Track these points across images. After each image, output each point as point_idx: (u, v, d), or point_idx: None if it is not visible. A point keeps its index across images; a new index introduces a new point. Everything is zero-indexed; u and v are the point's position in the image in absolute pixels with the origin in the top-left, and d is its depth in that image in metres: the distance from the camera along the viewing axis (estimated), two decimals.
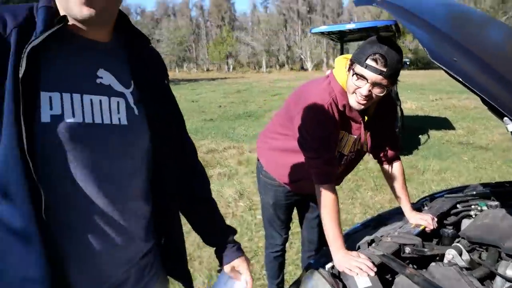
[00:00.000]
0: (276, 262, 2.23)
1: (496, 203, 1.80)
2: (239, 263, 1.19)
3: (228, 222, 3.39)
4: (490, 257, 1.43)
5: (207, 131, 8.54)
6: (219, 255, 1.20)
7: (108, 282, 0.91)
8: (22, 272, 0.76)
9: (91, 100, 0.83)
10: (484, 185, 2.09)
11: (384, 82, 1.41)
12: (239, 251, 1.21)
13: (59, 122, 0.78)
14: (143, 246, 1.00)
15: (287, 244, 2.37)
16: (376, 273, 1.36)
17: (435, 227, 1.70)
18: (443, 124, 8.23)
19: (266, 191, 2.04)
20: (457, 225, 1.82)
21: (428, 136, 7.12)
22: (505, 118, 0.83)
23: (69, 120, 0.79)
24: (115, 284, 0.93)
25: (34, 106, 0.75)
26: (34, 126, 0.75)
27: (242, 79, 34.11)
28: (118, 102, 0.88)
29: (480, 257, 1.48)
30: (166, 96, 1.04)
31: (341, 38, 6.70)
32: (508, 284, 1.26)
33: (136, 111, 0.91)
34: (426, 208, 1.91)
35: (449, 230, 1.67)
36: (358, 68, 1.42)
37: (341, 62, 1.62)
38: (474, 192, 1.97)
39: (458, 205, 1.91)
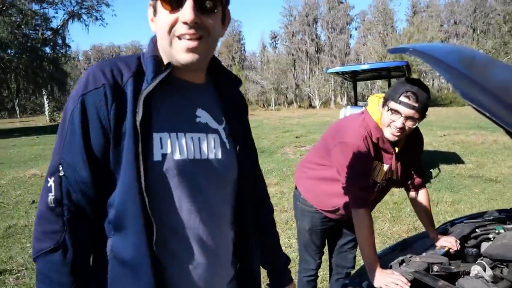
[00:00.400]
0: (309, 287, 2.37)
1: (510, 225, 1.99)
2: None
3: None
4: (511, 270, 1.60)
5: None
6: (272, 277, 1.30)
7: None
8: None
9: (192, 138, 0.93)
10: (499, 211, 2.27)
11: (416, 115, 1.65)
12: (291, 279, 1.33)
13: (168, 159, 0.88)
14: (230, 271, 1.07)
15: None
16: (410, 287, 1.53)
17: (458, 249, 1.87)
18: (453, 158, 8.39)
19: (303, 217, 2.23)
20: (477, 247, 1.98)
21: (439, 170, 7.27)
22: None
23: (177, 157, 0.89)
24: None
25: (148, 146, 0.85)
26: (148, 164, 0.85)
27: (252, 116, 34.70)
28: (214, 138, 0.98)
29: (501, 273, 1.64)
30: (247, 131, 1.16)
31: (354, 78, 7.04)
32: None
33: (227, 145, 1.01)
34: (448, 232, 2.08)
35: (472, 250, 1.84)
36: (393, 104, 1.66)
37: (374, 100, 1.85)
38: (491, 217, 2.14)
39: (477, 229, 2.07)
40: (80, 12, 28.72)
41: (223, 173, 0.99)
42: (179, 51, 0.87)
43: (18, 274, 3.51)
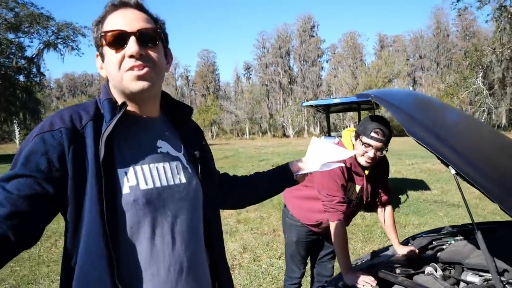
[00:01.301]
0: None
1: (461, 237, 2.42)
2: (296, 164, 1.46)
3: (236, 272, 4.05)
4: (457, 271, 2.00)
5: None
6: (286, 172, 1.43)
7: None
8: None
9: (156, 167, 0.98)
10: (452, 227, 2.71)
11: (383, 147, 2.08)
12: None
13: (136, 190, 0.93)
14: (207, 277, 1.11)
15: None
16: (376, 285, 1.91)
17: (417, 257, 2.27)
18: (420, 185, 8.97)
19: (290, 231, 2.59)
20: (433, 255, 2.39)
21: (407, 196, 7.80)
22: (450, 167, 1.46)
23: (143, 187, 0.94)
24: None
25: (113, 182, 0.90)
26: (117, 198, 0.90)
27: (227, 145, 35.07)
28: (176, 165, 1.04)
29: (450, 273, 2.04)
30: (208, 153, 1.24)
31: (327, 110, 7.59)
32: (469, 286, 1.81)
33: (189, 170, 1.08)
34: (410, 244, 2.49)
35: (427, 255, 2.24)
36: (365, 139, 2.08)
37: (347, 134, 2.28)
38: (445, 232, 2.58)
39: (433, 242, 2.48)
40: (56, 42, 28.80)
41: (188, 195, 1.05)
42: (130, 81, 0.94)
43: None
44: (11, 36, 26.95)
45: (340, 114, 41.69)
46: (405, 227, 5.48)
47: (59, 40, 28.94)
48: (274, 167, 1.46)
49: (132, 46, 0.93)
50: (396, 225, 5.37)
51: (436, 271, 2.02)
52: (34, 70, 29.05)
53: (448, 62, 58.91)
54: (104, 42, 0.96)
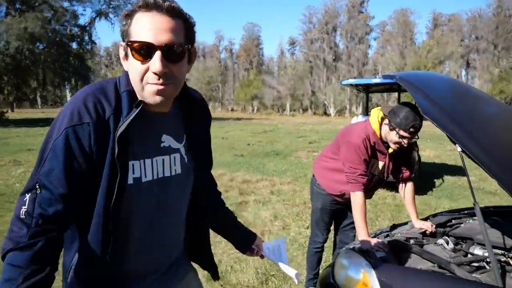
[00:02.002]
0: (316, 256, 2.95)
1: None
2: (260, 239, 1.53)
3: (265, 238, 4.34)
4: (467, 245, 2.15)
5: (238, 165, 9.35)
6: (243, 241, 1.49)
7: (159, 269, 1.21)
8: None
9: (157, 161, 1.07)
10: (472, 208, 2.82)
11: (416, 137, 2.28)
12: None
13: (139, 182, 1.03)
14: (181, 246, 1.31)
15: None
16: (388, 250, 2.10)
17: (433, 231, 2.42)
18: (458, 171, 8.83)
19: (317, 199, 2.82)
20: (448, 231, 2.53)
21: (443, 181, 7.75)
22: (456, 145, 1.61)
23: (145, 179, 1.05)
24: (163, 271, 1.23)
25: (124, 173, 0.99)
26: (124, 186, 0.99)
27: (267, 120, 35.31)
28: (175, 157, 1.13)
29: (461, 247, 2.19)
30: (208, 141, 1.31)
31: (367, 90, 7.58)
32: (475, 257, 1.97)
33: (186, 160, 1.16)
34: (429, 220, 2.63)
35: (441, 229, 2.40)
36: (402, 132, 2.24)
37: (375, 113, 2.44)
38: (466, 212, 2.70)
39: (452, 220, 2.62)
40: (107, 11, 29.80)
41: (183, 184, 1.17)
42: (149, 94, 0.98)
43: None
44: (66, 4, 28.19)
45: (384, 94, 40.59)
46: (435, 209, 5.53)
47: (110, 9, 29.92)
48: (243, 226, 1.53)
49: (157, 63, 0.93)
50: (426, 207, 5.50)
51: (447, 243, 2.18)
52: (86, 38, 30.38)
53: (507, 44, 55.15)
54: (130, 48, 0.97)
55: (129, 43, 0.95)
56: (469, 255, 2.03)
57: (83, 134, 0.93)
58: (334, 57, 64.87)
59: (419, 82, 2.07)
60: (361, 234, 2.26)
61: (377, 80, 6.55)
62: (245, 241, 1.49)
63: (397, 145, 2.33)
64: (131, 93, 1.01)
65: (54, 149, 0.92)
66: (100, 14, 29.76)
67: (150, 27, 0.93)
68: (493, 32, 59.99)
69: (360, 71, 62.59)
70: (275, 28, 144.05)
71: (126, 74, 1.03)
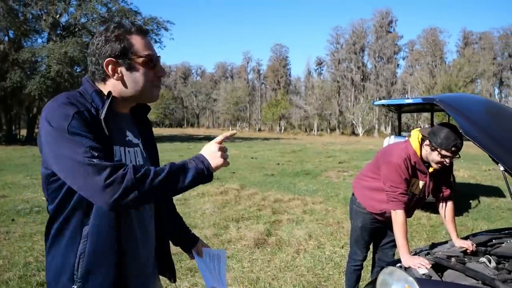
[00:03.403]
0: (355, 274, 3.02)
1: None
2: (202, 242, 1.71)
3: (300, 256, 4.45)
4: (510, 264, 2.18)
5: (269, 184, 9.46)
6: (188, 243, 1.67)
7: (146, 270, 1.35)
8: None
9: (129, 151, 1.29)
10: None
11: (457, 156, 2.37)
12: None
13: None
14: (153, 244, 1.42)
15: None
16: (430, 267, 2.16)
17: (473, 250, 2.45)
18: (494, 192, 8.61)
19: (356, 217, 2.91)
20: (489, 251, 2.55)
21: (479, 201, 7.59)
22: (499, 164, 1.70)
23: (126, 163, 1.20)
24: (149, 273, 1.38)
25: (112, 154, 1.17)
26: None
27: (295, 140, 35.36)
28: (136, 151, 1.33)
29: (504, 265, 2.22)
30: (154, 142, 1.51)
31: (399, 110, 7.60)
32: None
33: (145, 154, 1.38)
34: (469, 239, 2.67)
35: (482, 248, 2.43)
36: (444, 152, 2.34)
37: (415, 134, 2.54)
38: (506, 231, 2.71)
39: (493, 240, 2.64)
40: None
41: None
42: (156, 94, 1.29)
43: None
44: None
45: (414, 114, 40.02)
46: (472, 231, 5.44)
47: None
48: (190, 232, 1.71)
49: (162, 69, 1.28)
50: (463, 228, 5.45)
51: (489, 262, 2.22)
52: None
53: None
54: (140, 61, 1.22)
55: (144, 56, 1.22)
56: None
57: (85, 116, 1.11)
58: (362, 77, 64.67)
59: (457, 104, 2.17)
60: (403, 251, 2.33)
61: (409, 100, 6.56)
62: (191, 242, 1.68)
63: (439, 165, 2.41)
64: (99, 92, 1.22)
65: (73, 129, 1.06)
66: None
67: (150, 46, 1.26)
68: None
69: (388, 91, 62.01)
70: (303, 48, 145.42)
71: (87, 79, 1.26)
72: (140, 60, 1.22)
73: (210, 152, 1.19)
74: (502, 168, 1.69)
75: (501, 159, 1.69)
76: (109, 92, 1.21)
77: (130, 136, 1.32)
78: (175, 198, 1.36)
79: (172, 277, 1.54)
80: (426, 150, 2.45)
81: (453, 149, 2.30)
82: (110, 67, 1.21)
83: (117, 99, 1.24)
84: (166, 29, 31.24)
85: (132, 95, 1.26)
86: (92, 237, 1.16)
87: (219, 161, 1.17)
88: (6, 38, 26.10)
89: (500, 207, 7.20)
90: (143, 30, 1.25)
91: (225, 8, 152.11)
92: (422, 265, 2.17)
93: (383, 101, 7.12)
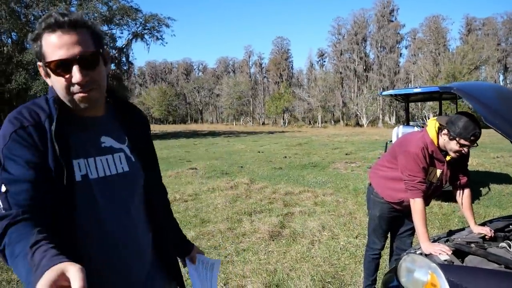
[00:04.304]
0: (374, 263, 3.06)
1: None
2: (197, 249, 1.64)
3: (315, 247, 4.50)
4: None
5: (278, 177, 9.50)
6: (182, 249, 1.59)
7: (137, 280, 1.23)
8: None
9: (101, 160, 1.15)
10: None
11: (475, 145, 2.39)
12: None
13: (86, 179, 1.09)
14: (150, 256, 1.31)
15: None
16: (451, 253, 2.20)
17: (492, 236, 2.49)
18: (504, 179, 8.60)
19: (374, 207, 2.94)
20: (508, 236, 2.59)
21: (489, 189, 7.60)
22: None
23: (91, 176, 1.11)
24: (142, 281, 1.26)
25: (70, 170, 1.05)
26: (73, 183, 1.06)
27: (300, 133, 35.36)
28: (119, 156, 1.20)
29: None
30: (149, 142, 1.38)
31: (407, 99, 7.61)
32: None
33: (132, 159, 1.24)
34: (486, 225, 2.70)
35: (501, 234, 2.46)
36: (463, 141, 2.35)
37: (432, 123, 2.57)
38: None
39: (510, 225, 2.67)
40: (143, 33, 31.07)
41: (131, 181, 1.23)
42: (78, 102, 1.07)
43: None
44: (104, 28, 29.62)
45: (419, 103, 39.88)
46: (484, 218, 5.46)
47: (146, 31, 31.20)
48: (185, 237, 1.64)
49: (77, 74, 1.02)
50: (476, 216, 5.47)
51: (509, 247, 2.25)
52: (124, 59, 31.69)
53: None
54: (48, 70, 1.05)
55: (47, 64, 1.04)
56: None
57: (26, 135, 1.01)
58: (364, 67, 64.34)
59: (475, 92, 2.19)
60: (423, 239, 2.37)
61: (418, 89, 6.59)
62: (185, 248, 1.61)
63: (457, 154, 2.44)
64: (56, 98, 1.09)
65: (6, 154, 0.99)
66: (136, 35, 31.08)
67: (60, 45, 1.02)
68: None
69: (392, 80, 61.70)
70: (304, 40, 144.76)
71: (51, 86, 1.12)
72: (50, 67, 1.04)
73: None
74: None
75: None
76: (57, 100, 1.08)
77: (107, 141, 1.19)
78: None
79: (179, 284, 1.45)
80: (444, 139, 2.47)
81: (472, 138, 2.32)
82: (41, 71, 1.10)
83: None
84: (168, 26, 31.30)
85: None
86: None
87: None
88: (9, 41, 26.25)
89: (510, 193, 7.20)
90: (51, 25, 1.02)
91: (225, 2, 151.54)
92: (443, 252, 2.21)
93: (391, 91, 7.14)
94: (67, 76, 1.03)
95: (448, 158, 2.57)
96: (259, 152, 16.40)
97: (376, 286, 3.15)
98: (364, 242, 4.06)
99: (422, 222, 2.44)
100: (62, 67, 1.03)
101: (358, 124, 56.70)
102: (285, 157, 14.22)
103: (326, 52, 74.45)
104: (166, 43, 58.20)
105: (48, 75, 1.08)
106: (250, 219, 5.67)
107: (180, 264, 1.53)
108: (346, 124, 58.18)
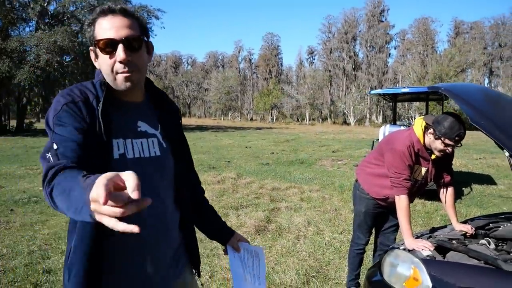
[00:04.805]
0: (358, 258, 3.11)
1: None
2: (239, 236, 1.62)
3: (301, 242, 4.56)
4: (509, 245, 2.29)
5: (265, 173, 9.53)
6: (223, 237, 1.60)
7: (164, 258, 1.30)
8: None
9: (136, 142, 1.24)
10: (511, 212, 2.94)
11: (458, 145, 2.45)
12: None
13: (123, 157, 1.18)
14: (177, 238, 1.38)
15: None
16: (433, 249, 2.25)
17: (472, 233, 2.56)
18: (486, 180, 8.80)
19: (360, 202, 2.99)
20: (488, 234, 2.66)
21: (471, 189, 7.77)
22: (504, 150, 1.78)
23: (129, 156, 1.20)
24: (169, 264, 1.33)
25: (109, 147, 1.15)
26: (111, 160, 1.15)
27: (287, 129, 35.45)
28: (152, 141, 1.29)
29: (502, 247, 2.33)
30: (180, 131, 1.45)
31: (394, 99, 7.71)
32: None
33: (164, 145, 1.32)
34: (468, 223, 2.77)
35: (481, 231, 2.54)
36: (448, 141, 2.41)
37: (418, 122, 2.62)
38: (503, 216, 2.82)
39: (490, 224, 2.75)
40: None
41: (162, 165, 1.30)
42: (120, 82, 1.17)
43: None
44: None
45: (405, 103, 40.38)
46: (466, 217, 5.58)
47: None
48: (224, 223, 1.63)
49: (121, 53, 1.13)
50: (457, 215, 5.57)
51: (489, 244, 2.32)
52: None
53: None
54: (97, 47, 1.16)
55: (96, 42, 1.16)
56: (511, 254, 2.16)
57: (76, 109, 1.11)
58: (353, 66, 64.75)
59: (462, 93, 2.24)
60: (406, 235, 2.42)
61: (405, 89, 6.68)
62: (225, 235, 1.60)
63: (442, 153, 2.49)
64: (103, 82, 1.20)
65: (56, 122, 1.09)
66: None
67: (110, 27, 1.15)
68: None
69: (380, 80, 62.24)
70: (294, 37, 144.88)
71: (98, 71, 1.23)
72: (99, 45, 1.16)
73: (93, 201, 0.77)
74: (507, 154, 1.77)
75: (507, 145, 1.77)
76: (104, 83, 1.19)
77: (143, 126, 1.28)
78: None
79: (196, 271, 1.51)
80: (429, 138, 2.52)
81: (456, 138, 2.38)
82: (92, 55, 1.22)
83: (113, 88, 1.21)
84: (157, 18, 31.00)
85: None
86: (78, 232, 1.14)
87: (102, 218, 0.76)
88: None
89: (491, 194, 7.38)
90: (105, 10, 1.17)
91: None
92: (425, 247, 2.27)
93: (379, 90, 7.22)
94: (112, 55, 1.14)
95: (433, 156, 2.62)
96: (246, 147, 16.42)
97: (359, 281, 3.20)
98: (348, 238, 4.12)
99: (406, 219, 2.49)
100: (109, 46, 1.14)
101: (345, 122, 57.07)
102: (273, 153, 14.27)
103: (316, 49, 74.72)
104: (155, 35, 57.63)
105: (96, 57, 1.19)
106: (236, 213, 5.69)
107: (221, 251, 1.51)
108: (334, 122, 58.53)
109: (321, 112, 63.81)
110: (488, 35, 63.26)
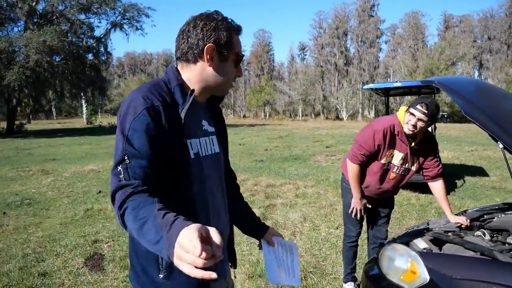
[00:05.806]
0: (352, 251, 3.12)
1: (510, 212, 2.69)
2: (273, 231, 1.66)
3: (297, 238, 4.56)
4: (504, 236, 2.30)
5: (260, 170, 9.53)
6: (258, 232, 1.64)
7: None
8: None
9: (204, 140, 1.33)
10: (504, 204, 2.97)
11: (425, 119, 2.53)
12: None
13: (198, 156, 1.28)
14: (227, 231, 1.48)
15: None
16: (430, 241, 2.27)
17: (468, 225, 2.58)
18: (478, 172, 8.89)
19: (347, 194, 3.02)
20: (483, 225, 2.68)
21: (464, 181, 7.84)
22: (498, 142, 1.79)
23: (202, 154, 1.30)
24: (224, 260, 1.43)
25: (186, 148, 1.23)
26: (188, 160, 1.23)
27: (281, 126, 35.48)
28: (212, 139, 1.39)
29: (497, 238, 2.35)
30: (226, 131, 1.57)
31: (387, 93, 7.74)
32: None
33: (219, 142, 1.45)
34: (463, 215, 2.79)
35: (477, 223, 2.56)
36: (411, 110, 2.55)
37: (402, 109, 2.72)
38: (497, 207, 2.85)
39: (485, 215, 2.77)
40: (122, 22, 30.43)
41: (219, 161, 1.43)
42: (227, 89, 1.35)
43: (109, 243, 4.37)
44: (82, 17, 28.90)
45: (397, 97, 40.61)
46: (459, 209, 5.63)
47: (125, 21, 30.55)
48: (258, 218, 1.69)
49: (241, 71, 1.36)
50: (451, 208, 5.62)
51: (484, 235, 2.34)
52: (102, 49, 31.01)
53: None
54: (233, 57, 1.30)
55: (238, 54, 1.31)
56: (506, 245, 2.18)
57: (157, 114, 1.14)
58: (345, 61, 64.92)
59: (455, 86, 2.25)
60: (355, 195, 2.85)
61: (398, 84, 6.70)
62: (259, 230, 1.64)
63: (409, 127, 2.60)
64: (181, 85, 1.26)
65: (134, 127, 1.11)
66: (115, 25, 30.38)
67: (241, 46, 1.34)
68: (506, 32, 59.49)
69: (371, 75, 62.52)
70: (286, 34, 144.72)
71: (173, 70, 1.31)
72: (234, 56, 1.30)
73: (181, 248, 0.83)
74: (501, 146, 1.78)
75: (500, 137, 1.78)
76: (192, 90, 1.25)
77: (206, 125, 1.37)
78: None
79: (233, 263, 1.58)
80: (405, 116, 2.65)
81: (417, 106, 2.51)
82: (209, 51, 1.25)
83: (197, 89, 1.30)
84: (147, 16, 30.76)
85: (211, 84, 1.30)
86: None
87: (181, 264, 0.83)
88: None
89: (484, 185, 7.45)
90: (240, 30, 1.33)
91: None
92: (360, 206, 2.85)
93: (372, 85, 7.23)
94: (238, 68, 1.33)
95: (413, 144, 2.70)
96: (240, 144, 16.39)
97: (355, 275, 3.22)
98: None
99: (355, 182, 2.81)
100: (239, 62, 1.33)
101: (338, 117, 57.27)
102: (266, 149, 14.27)
103: (307, 45, 74.78)
104: (146, 33, 57.27)
105: (223, 61, 1.28)
106: None
107: (254, 246, 1.57)
108: (327, 118, 58.69)
109: (313, 107, 63.95)
110: (477, 28, 63.80)
